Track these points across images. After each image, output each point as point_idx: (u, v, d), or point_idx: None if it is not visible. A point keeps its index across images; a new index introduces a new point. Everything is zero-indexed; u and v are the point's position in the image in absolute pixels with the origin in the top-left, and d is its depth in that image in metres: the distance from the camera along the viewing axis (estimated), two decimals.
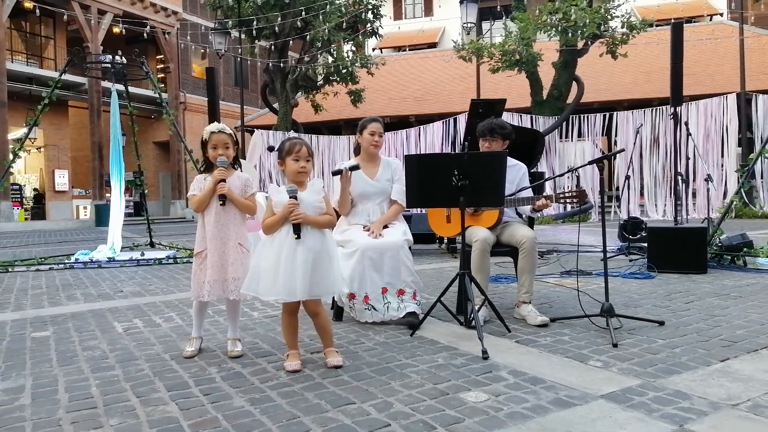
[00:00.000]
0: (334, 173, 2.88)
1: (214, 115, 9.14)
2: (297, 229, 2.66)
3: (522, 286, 3.62)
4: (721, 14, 25.79)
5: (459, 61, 16.53)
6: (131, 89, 9.85)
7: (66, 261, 7.35)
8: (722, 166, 14.02)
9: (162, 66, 24.59)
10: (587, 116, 15.13)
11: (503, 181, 3.30)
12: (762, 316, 3.58)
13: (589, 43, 14.84)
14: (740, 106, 14.01)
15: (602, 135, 15.37)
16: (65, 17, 18.24)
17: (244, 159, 15.18)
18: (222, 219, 3.00)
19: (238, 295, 2.97)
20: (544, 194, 3.67)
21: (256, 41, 18.51)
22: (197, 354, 3.02)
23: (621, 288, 4.69)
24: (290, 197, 2.68)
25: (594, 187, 13.80)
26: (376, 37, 19.01)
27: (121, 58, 8.75)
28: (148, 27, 17.97)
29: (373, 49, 28.35)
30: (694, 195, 13.70)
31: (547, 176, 10.10)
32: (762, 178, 13.77)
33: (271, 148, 11.29)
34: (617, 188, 14.75)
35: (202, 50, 25.07)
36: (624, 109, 15.48)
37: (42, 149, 21.41)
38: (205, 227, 3.02)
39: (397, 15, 32.17)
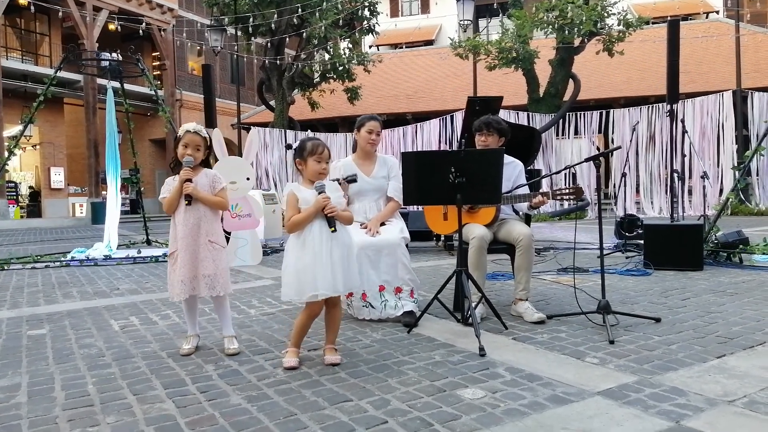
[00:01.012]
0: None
1: (210, 112, 9.12)
2: (332, 223, 2.69)
3: (519, 283, 3.63)
4: (717, 12, 25.83)
5: (456, 58, 16.52)
6: (127, 86, 9.82)
7: (62, 259, 7.32)
8: (718, 163, 14.07)
9: (158, 63, 24.49)
10: (584, 114, 15.15)
11: (500, 178, 3.30)
12: (758, 313, 3.59)
13: (586, 40, 14.85)
14: (736, 103, 14.05)
15: (599, 132, 15.39)
16: (60, 14, 18.10)
17: (240, 157, 15.17)
18: (192, 218, 3.00)
19: (209, 293, 2.98)
20: (541, 191, 3.67)
21: (253, 38, 18.46)
22: (194, 351, 3.02)
23: (617, 285, 4.70)
24: (319, 193, 2.71)
25: (590, 184, 13.82)
26: (372, 34, 18.97)
27: (117, 55, 8.71)
28: (144, 24, 17.80)
29: (370, 47, 28.28)
30: (690, 192, 13.75)
31: (543, 173, 10.11)
32: (758, 175, 13.81)
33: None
34: (614, 185, 14.79)
35: (198, 47, 24.97)
36: (620, 107, 15.51)
37: (37, 147, 21.32)
38: (176, 227, 3.03)
39: (394, 12, 32.14)
